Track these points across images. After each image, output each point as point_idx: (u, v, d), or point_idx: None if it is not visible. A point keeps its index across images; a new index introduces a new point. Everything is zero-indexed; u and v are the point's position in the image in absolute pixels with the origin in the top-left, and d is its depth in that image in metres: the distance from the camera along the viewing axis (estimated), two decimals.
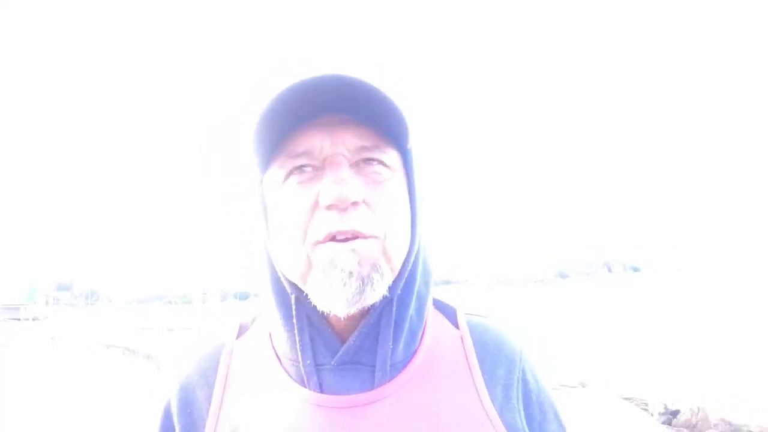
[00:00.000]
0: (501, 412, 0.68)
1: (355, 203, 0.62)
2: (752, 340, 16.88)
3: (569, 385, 9.02)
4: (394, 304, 0.68)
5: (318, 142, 0.64)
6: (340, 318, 0.66)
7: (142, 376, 11.86)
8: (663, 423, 7.87)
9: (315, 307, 0.66)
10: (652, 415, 8.10)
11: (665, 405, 8.40)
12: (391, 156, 0.67)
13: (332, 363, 0.68)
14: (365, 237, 0.62)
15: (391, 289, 0.66)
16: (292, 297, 0.68)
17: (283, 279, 0.69)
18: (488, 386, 0.70)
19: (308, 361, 0.68)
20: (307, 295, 0.66)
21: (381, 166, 0.66)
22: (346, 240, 0.62)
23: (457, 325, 0.77)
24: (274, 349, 0.74)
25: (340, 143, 0.64)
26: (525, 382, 0.74)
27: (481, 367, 0.71)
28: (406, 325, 0.70)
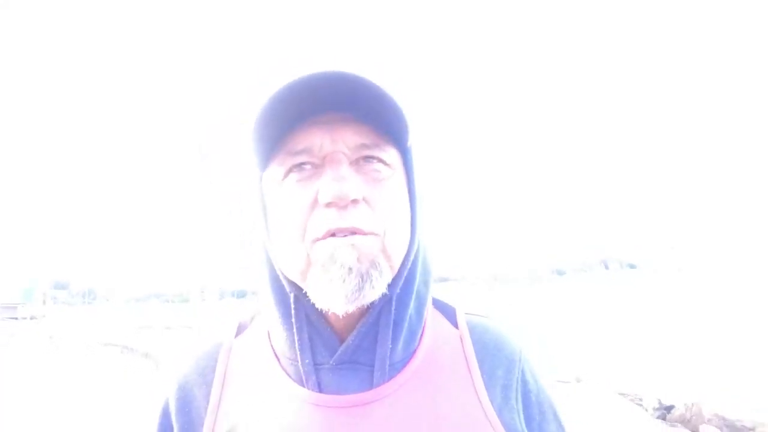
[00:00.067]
0: (500, 413, 0.68)
1: (354, 201, 0.62)
2: (746, 337, 16.96)
3: (565, 380, 9.08)
4: (393, 303, 0.68)
5: (318, 139, 0.64)
6: (339, 317, 0.66)
7: (140, 374, 11.87)
8: (657, 418, 7.92)
9: (314, 305, 0.66)
10: (646, 410, 8.16)
11: (659, 400, 8.46)
12: (390, 154, 0.67)
13: (331, 362, 0.68)
14: (364, 233, 0.62)
15: (390, 287, 0.66)
16: (291, 296, 0.68)
17: (282, 277, 0.69)
18: (487, 386, 0.70)
19: (307, 361, 0.68)
20: (306, 293, 0.66)
21: (381, 164, 0.66)
22: (345, 235, 0.62)
23: (456, 325, 0.77)
24: (272, 348, 0.74)
25: (339, 141, 0.64)
26: (524, 382, 0.74)
27: (481, 367, 0.71)
28: (406, 325, 0.70)
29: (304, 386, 0.68)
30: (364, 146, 0.65)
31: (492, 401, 0.68)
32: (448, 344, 0.74)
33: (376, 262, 0.63)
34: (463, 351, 0.73)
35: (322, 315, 0.68)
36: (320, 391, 0.67)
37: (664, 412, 8.20)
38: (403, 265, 0.69)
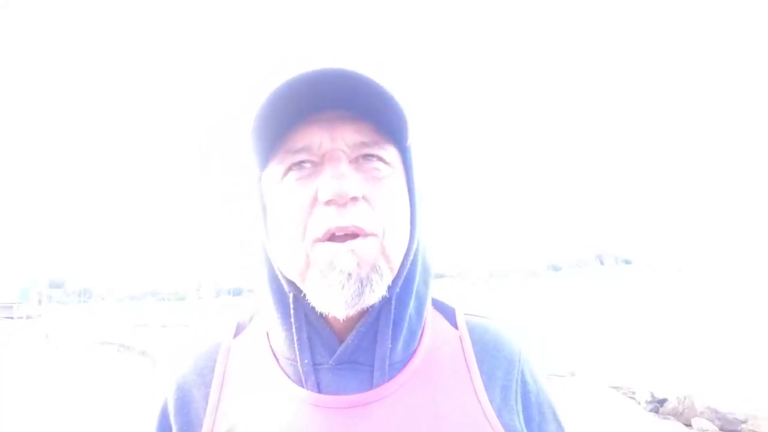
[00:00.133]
0: (499, 413, 0.67)
1: (354, 199, 0.61)
2: (738, 333, 17.13)
3: (559, 374, 9.16)
4: (393, 302, 0.67)
5: (317, 137, 0.63)
6: (339, 317, 0.65)
7: (137, 372, 11.90)
8: (650, 411, 7.98)
9: (313, 306, 0.65)
10: (639, 403, 8.24)
11: (652, 393, 8.56)
12: (390, 152, 0.66)
13: (330, 362, 0.67)
14: (364, 235, 0.61)
15: (389, 287, 0.65)
16: (290, 295, 0.67)
17: (281, 277, 0.68)
18: (487, 387, 0.69)
19: (306, 361, 0.67)
20: (305, 294, 0.65)
21: (380, 163, 0.65)
22: (344, 236, 0.61)
23: (456, 326, 0.76)
24: (271, 348, 0.73)
25: (339, 138, 0.63)
26: (524, 383, 0.73)
27: (480, 367, 0.71)
28: (405, 325, 0.69)
29: (303, 386, 0.67)
30: (363, 144, 0.64)
31: (491, 402, 0.68)
32: (448, 344, 0.73)
33: (377, 265, 0.62)
34: (463, 351, 0.72)
35: (321, 315, 0.66)
36: (319, 391, 0.66)
37: (657, 405, 8.28)
38: (402, 264, 0.68)
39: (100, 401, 8.61)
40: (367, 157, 0.65)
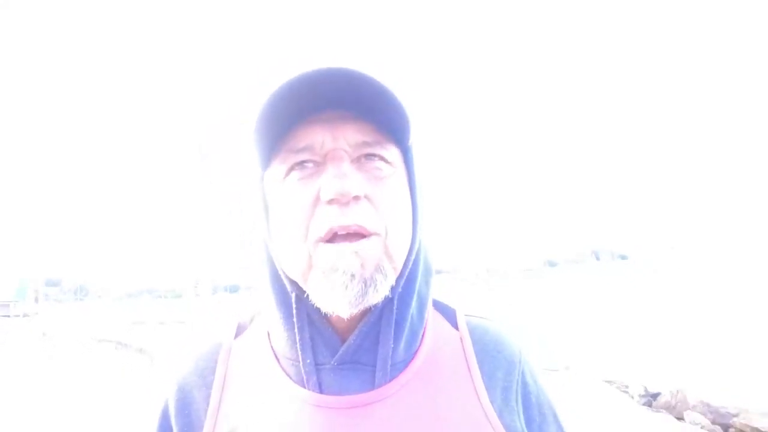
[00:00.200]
0: (500, 414, 0.67)
1: (356, 198, 0.61)
2: (730, 328, 17.23)
3: (554, 368, 9.22)
4: (395, 302, 0.67)
5: (319, 137, 0.63)
6: (341, 317, 0.65)
7: (135, 369, 11.91)
8: (643, 405, 8.02)
9: (315, 305, 0.65)
10: (632, 397, 8.29)
11: (645, 387, 8.60)
12: (392, 152, 0.66)
13: (332, 362, 0.66)
14: (367, 234, 0.61)
15: (392, 287, 0.65)
16: (293, 295, 0.67)
17: (283, 277, 0.68)
18: (488, 388, 0.69)
19: (308, 361, 0.66)
20: (307, 294, 0.65)
21: (382, 162, 0.65)
22: (347, 236, 0.61)
23: (456, 327, 0.76)
24: (272, 348, 0.73)
25: (341, 138, 0.63)
26: (524, 384, 0.73)
27: (481, 368, 0.71)
28: (407, 325, 0.69)
29: (305, 387, 0.67)
30: (365, 144, 0.64)
31: (492, 402, 0.68)
32: (449, 345, 0.73)
33: (381, 266, 0.62)
34: (464, 352, 0.72)
35: (323, 315, 0.66)
36: (321, 391, 0.66)
37: (650, 399, 8.33)
38: (404, 264, 0.67)
39: (99, 398, 8.60)
40: (369, 156, 0.64)
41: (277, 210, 0.66)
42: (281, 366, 0.70)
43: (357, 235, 0.61)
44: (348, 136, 0.63)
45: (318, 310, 0.65)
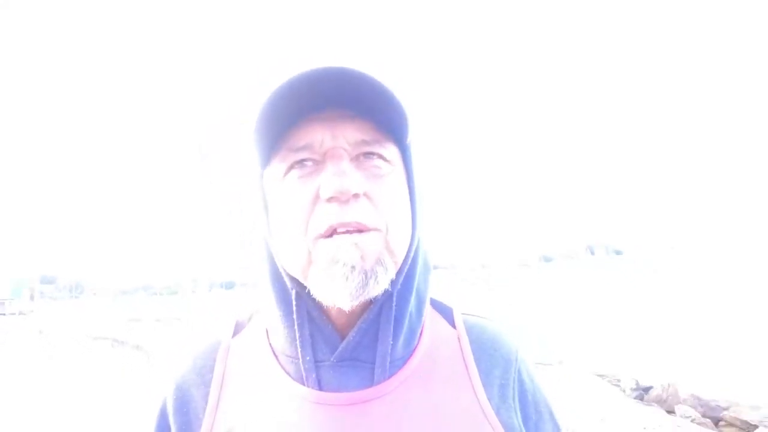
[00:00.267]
0: (498, 411, 0.68)
1: (356, 195, 0.62)
2: (722, 323, 17.35)
3: (547, 363, 9.28)
4: (394, 299, 0.67)
5: (318, 135, 0.64)
6: (341, 314, 0.66)
7: (132, 366, 11.90)
8: (635, 398, 8.08)
9: (316, 302, 0.66)
10: (624, 391, 8.38)
11: (637, 381, 8.70)
12: (390, 151, 0.67)
13: (332, 359, 0.67)
14: (367, 230, 0.62)
15: (391, 284, 0.65)
16: (293, 292, 0.67)
17: (283, 274, 0.68)
18: (485, 385, 0.70)
19: (308, 358, 0.67)
20: (308, 291, 0.65)
21: (381, 161, 0.65)
22: (347, 232, 0.61)
23: (453, 325, 0.77)
24: (271, 346, 0.73)
25: (340, 137, 0.64)
26: (521, 381, 0.74)
27: (478, 366, 0.71)
28: (406, 322, 0.69)
29: (304, 384, 0.67)
30: (364, 142, 0.65)
31: (490, 399, 0.68)
32: (446, 343, 0.74)
33: (381, 259, 0.62)
34: (461, 350, 0.73)
35: (323, 311, 0.67)
36: (320, 388, 0.66)
37: (642, 392, 8.42)
38: (403, 261, 0.68)
39: (96, 396, 8.59)
40: (368, 155, 0.65)
41: (277, 208, 0.66)
42: (280, 364, 0.71)
43: (357, 231, 0.61)
44: (347, 135, 0.64)
45: (318, 307, 0.66)
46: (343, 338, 0.67)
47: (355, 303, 0.62)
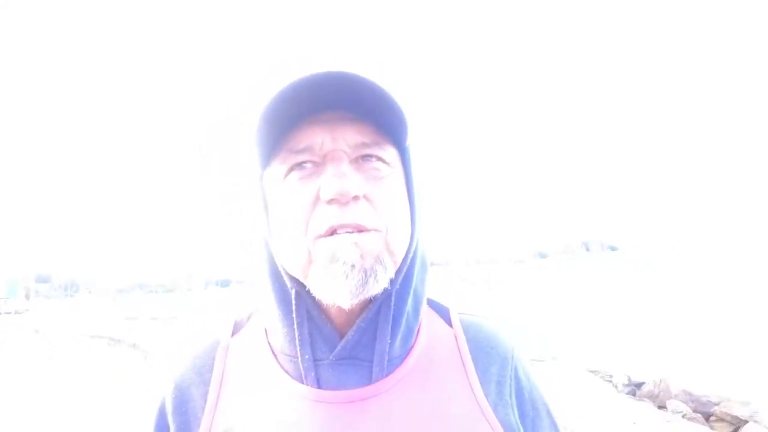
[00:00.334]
0: (495, 408, 0.68)
1: (355, 197, 0.62)
2: (713, 320, 17.46)
3: (540, 358, 9.35)
4: (393, 298, 0.68)
5: (319, 138, 0.64)
6: (340, 313, 0.67)
7: (129, 365, 11.90)
8: (627, 394, 8.19)
9: (315, 301, 0.66)
10: (616, 386, 8.47)
11: (629, 377, 8.79)
12: (390, 153, 0.67)
13: (330, 358, 0.67)
14: (367, 230, 0.62)
15: (390, 283, 0.66)
16: (293, 291, 0.67)
17: (283, 273, 0.68)
18: (482, 383, 0.70)
19: (307, 356, 0.67)
20: (308, 290, 0.66)
21: (380, 163, 0.66)
22: (347, 232, 0.62)
23: (450, 324, 0.77)
24: (270, 345, 0.73)
25: (340, 139, 0.64)
26: (518, 379, 0.74)
27: (475, 364, 0.72)
28: (403, 321, 0.70)
29: (303, 383, 0.68)
30: (364, 145, 0.65)
31: (487, 397, 0.69)
32: (443, 342, 0.74)
33: (381, 257, 0.63)
34: (458, 349, 0.73)
35: (322, 310, 0.68)
36: (319, 387, 0.67)
37: (634, 388, 8.50)
38: (402, 261, 0.69)
39: (93, 395, 8.58)
40: (367, 157, 0.66)
41: (278, 208, 0.67)
42: (279, 363, 0.71)
43: (357, 230, 0.62)
44: (347, 137, 0.65)
45: (317, 306, 0.67)
46: (341, 337, 0.68)
47: (355, 301, 0.62)
